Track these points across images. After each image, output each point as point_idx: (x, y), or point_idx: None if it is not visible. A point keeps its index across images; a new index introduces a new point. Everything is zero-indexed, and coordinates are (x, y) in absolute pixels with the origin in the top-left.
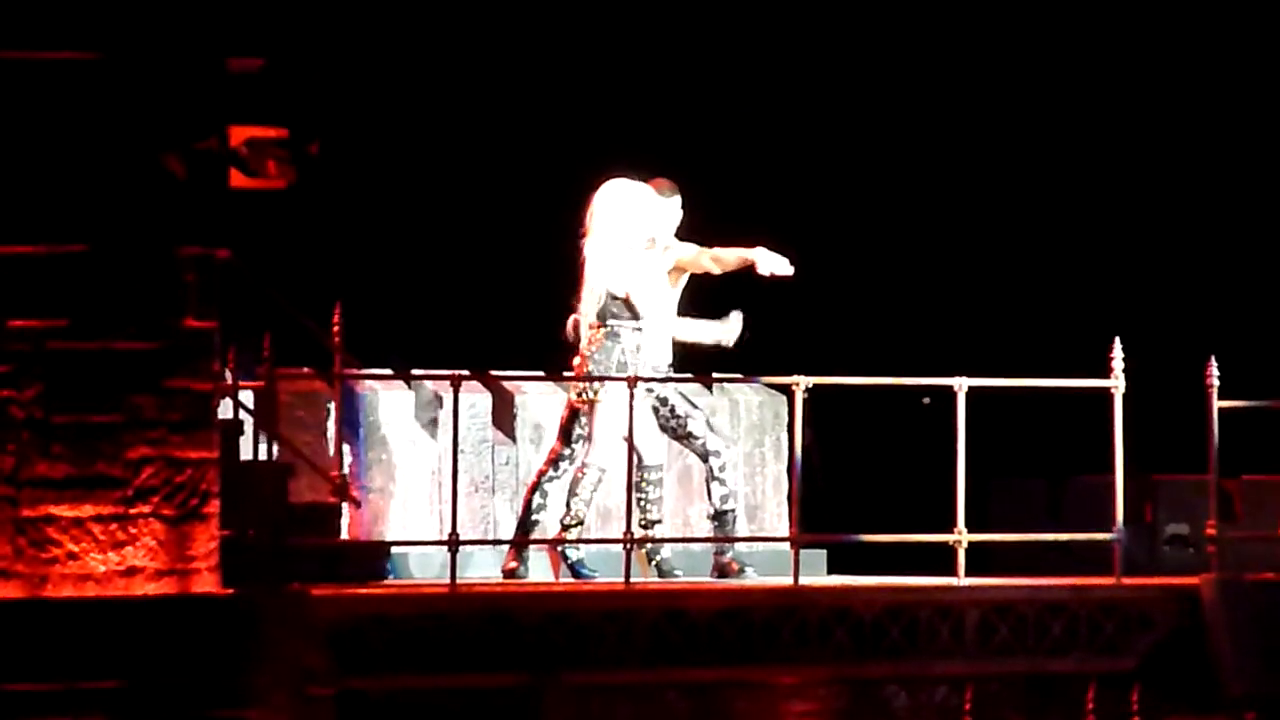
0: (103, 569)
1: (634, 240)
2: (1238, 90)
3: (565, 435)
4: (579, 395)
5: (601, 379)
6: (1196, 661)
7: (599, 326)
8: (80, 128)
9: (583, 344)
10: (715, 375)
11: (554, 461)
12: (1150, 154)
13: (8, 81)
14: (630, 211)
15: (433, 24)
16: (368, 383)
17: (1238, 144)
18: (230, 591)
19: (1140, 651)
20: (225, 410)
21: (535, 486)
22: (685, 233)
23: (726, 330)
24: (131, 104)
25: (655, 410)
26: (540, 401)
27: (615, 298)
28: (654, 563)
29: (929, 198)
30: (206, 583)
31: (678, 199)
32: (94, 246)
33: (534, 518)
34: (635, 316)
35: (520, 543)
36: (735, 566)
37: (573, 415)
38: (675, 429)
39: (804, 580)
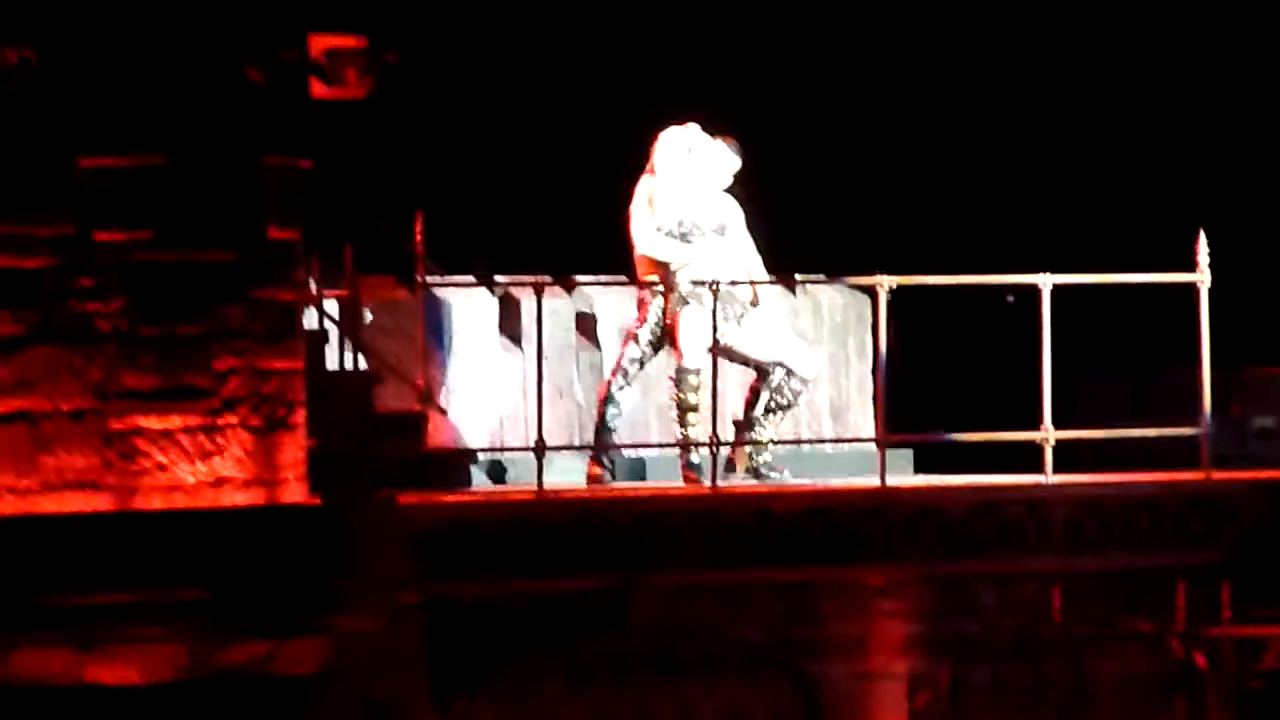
0: (191, 480)
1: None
2: None
3: (627, 341)
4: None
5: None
6: None
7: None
8: (161, 39)
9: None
10: (798, 276)
11: (622, 370)
12: (1234, 46)
13: None
14: (691, 156)
15: None
16: (451, 289)
17: None
18: (318, 501)
19: (1228, 545)
20: (310, 320)
21: (606, 396)
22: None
23: None
24: (213, 14)
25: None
26: (622, 306)
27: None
28: (749, 467)
29: (1010, 93)
30: (294, 492)
31: (736, 158)
32: (176, 158)
33: (610, 425)
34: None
35: (602, 447)
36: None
37: (646, 324)
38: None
39: (890, 480)
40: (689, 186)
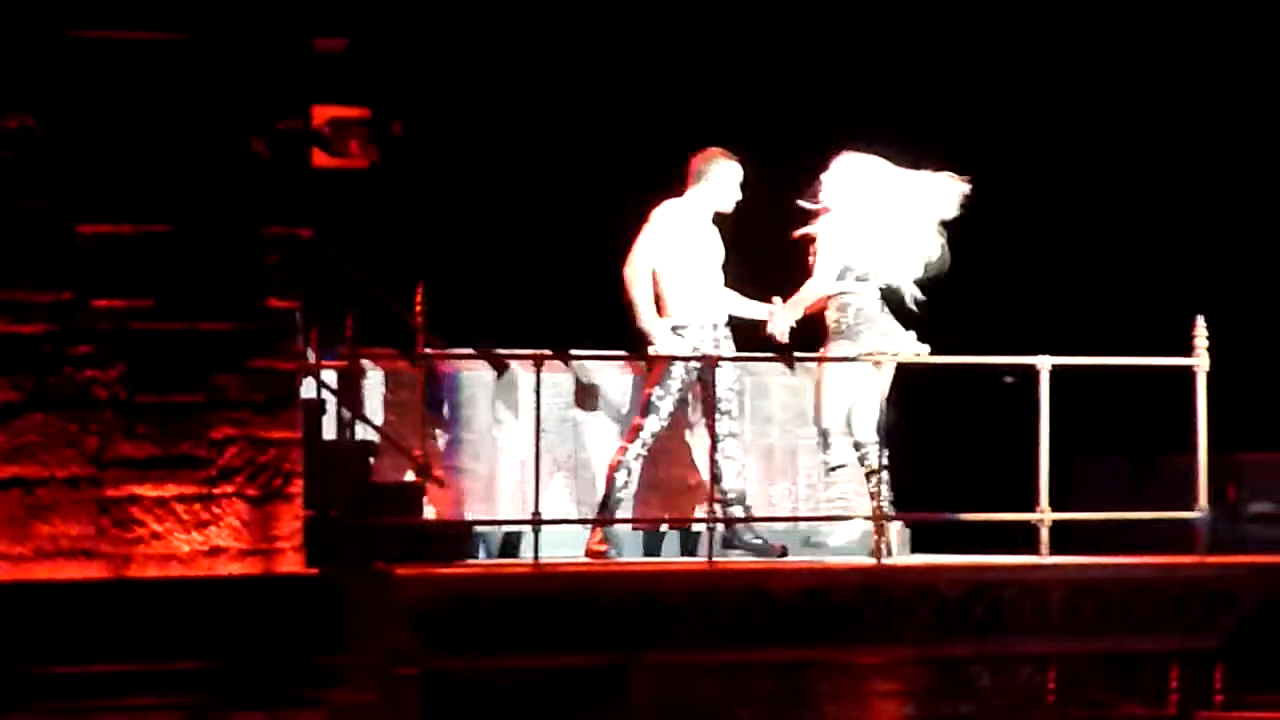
0: (187, 549)
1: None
2: None
3: (646, 410)
4: None
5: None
6: None
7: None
8: (165, 108)
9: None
10: (798, 355)
11: (637, 437)
12: (1237, 130)
13: (95, 61)
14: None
15: (513, 5)
16: (452, 363)
17: None
18: (314, 571)
19: (1225, 630)
20: (309, 390)
21: (619, 464)
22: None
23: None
24: (216, 84)
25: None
26: (620, 380)
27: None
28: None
29: (1011, 174)
30: (290, 563)
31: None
32: (178, 227)
33: (618, 495)
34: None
35: (603, 522)
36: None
37: (657, 389)
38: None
39: (888, 559)
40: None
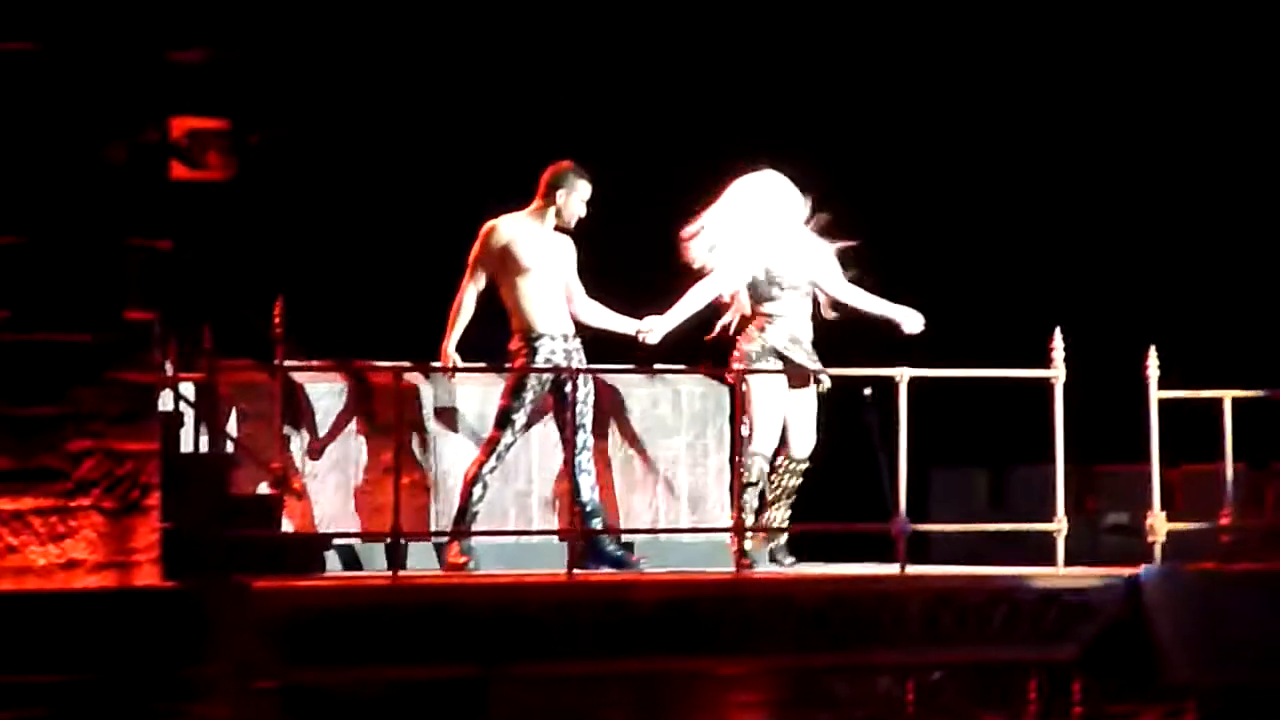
0: (43, 562)
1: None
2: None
3: (502, 423)
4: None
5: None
6: (1137, 650)
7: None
8: (21, 119)
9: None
10: (657, 366)
11: (493, 450)
12: (1092, 144)
13: None
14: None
15: (372, 16)
16: (310, 374)
17: (1180, 138)
18: (172, 584)
19: (1081, 641)
20: (166, 402)
21: (475, 476)
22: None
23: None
24: (73, 95)
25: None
26: (481, 393)
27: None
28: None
29: (872, 187)
30: (148, 576)
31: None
32: (35, 238)
33: (474, 508)
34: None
35: (460, 534)
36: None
37: (511, 402)
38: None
39: (746, 570)
40: (775, 234)
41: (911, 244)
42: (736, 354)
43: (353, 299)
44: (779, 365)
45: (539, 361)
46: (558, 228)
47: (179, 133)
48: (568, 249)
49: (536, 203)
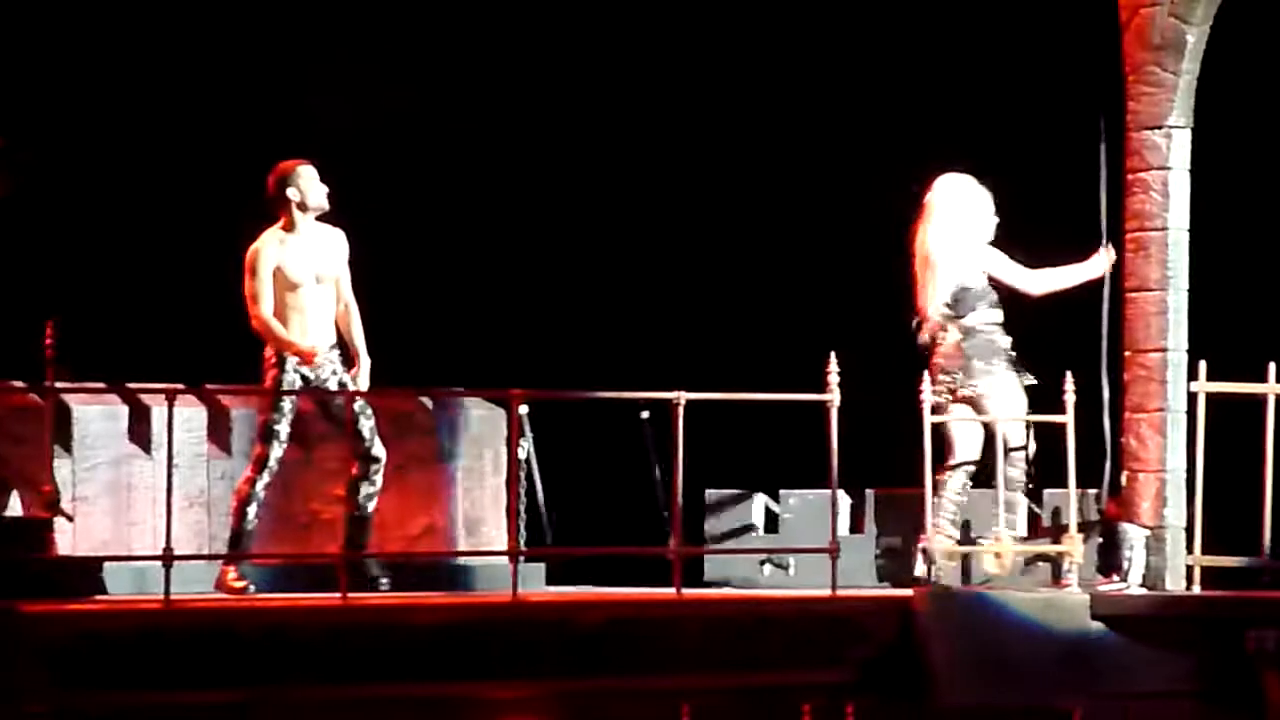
0: None
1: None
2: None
3: (266, 436)
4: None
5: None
6: (910, 673)
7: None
8: None
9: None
10: (434, 389)
11: (262, 465)
12: (866, 170)
13: None
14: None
15: (152, 35)
16: (81, 397)
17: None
18: None
19: (856, 663)
20: None
21: (248, 495)
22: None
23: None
24: None
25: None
26: (255, 415)
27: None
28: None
29: (649, 209)
30: None
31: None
32: None
33: (249, 527)
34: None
35: (236, 558)
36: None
37: (271, 414)
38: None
39: (522, 593)
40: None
41: (689, 268)
42: (946, 363)
43: (127, 319)
44: (1011, 369)
45: (287, 371)
46: (319, 219)
47: None
48: (324, 256)
49: (281, 217)
